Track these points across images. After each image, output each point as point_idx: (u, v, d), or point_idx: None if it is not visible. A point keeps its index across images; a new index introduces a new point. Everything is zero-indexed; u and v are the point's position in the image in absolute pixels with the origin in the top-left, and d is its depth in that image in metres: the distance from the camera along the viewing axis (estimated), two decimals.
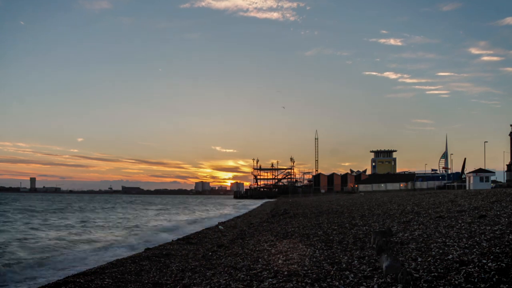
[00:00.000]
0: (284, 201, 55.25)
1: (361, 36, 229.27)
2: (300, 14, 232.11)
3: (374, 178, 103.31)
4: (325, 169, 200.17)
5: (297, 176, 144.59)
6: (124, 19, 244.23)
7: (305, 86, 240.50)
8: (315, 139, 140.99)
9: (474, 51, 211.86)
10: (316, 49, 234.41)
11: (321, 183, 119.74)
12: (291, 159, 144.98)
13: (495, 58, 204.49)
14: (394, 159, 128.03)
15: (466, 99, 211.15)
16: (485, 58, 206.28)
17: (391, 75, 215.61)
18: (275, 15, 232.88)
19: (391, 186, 78.82)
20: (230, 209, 52.87)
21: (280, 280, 6.95)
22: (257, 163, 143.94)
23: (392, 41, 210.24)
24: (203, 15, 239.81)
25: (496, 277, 5.27)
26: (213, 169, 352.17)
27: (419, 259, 6.85)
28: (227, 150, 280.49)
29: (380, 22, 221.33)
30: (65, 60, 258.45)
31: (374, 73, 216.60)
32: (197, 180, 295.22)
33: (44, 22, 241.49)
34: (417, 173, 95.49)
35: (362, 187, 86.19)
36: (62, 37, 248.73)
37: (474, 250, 6.83)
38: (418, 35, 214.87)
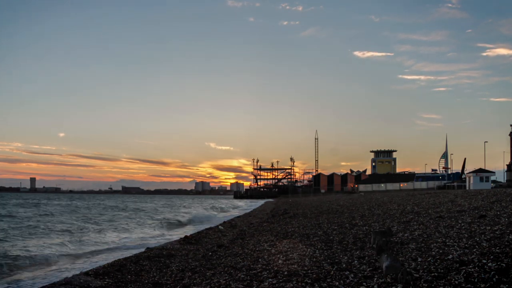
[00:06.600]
0: (284, 201, 55.23)
1: (365, 17, 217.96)
2: None
3: (374, 178, 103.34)
4: (325, 169, 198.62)
5: (297, 176, 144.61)
6: (122, 14, 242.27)
7: (305, 85, 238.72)
8: (315, 139, 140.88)
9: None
10: (314, 28, 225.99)
11: (321, 183, 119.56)
12: (291, 159, 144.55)
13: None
14: (394, 159, 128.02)
15: (473, 93, 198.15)
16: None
17: (398, 61, 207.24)
18: None
19: (391, 186, 78.70)
20: (230, 209, 52.89)
21: (280, 280, 6.95)
22: (257, 163, 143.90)
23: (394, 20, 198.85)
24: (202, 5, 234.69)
25: (496, 277, 5.27)
26: (214, 168, 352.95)
27: (419, 259, 6.86)
28: (224, 147, 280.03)
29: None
30: (63, 58, 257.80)
31: (376, 57, 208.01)
32: (197, 180, 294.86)
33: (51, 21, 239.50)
34: (417, 173, 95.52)
35: (362, 187, 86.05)
36: (62, 35, 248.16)
37: (474, 250, 6.83)
38: (426, 17, 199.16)
